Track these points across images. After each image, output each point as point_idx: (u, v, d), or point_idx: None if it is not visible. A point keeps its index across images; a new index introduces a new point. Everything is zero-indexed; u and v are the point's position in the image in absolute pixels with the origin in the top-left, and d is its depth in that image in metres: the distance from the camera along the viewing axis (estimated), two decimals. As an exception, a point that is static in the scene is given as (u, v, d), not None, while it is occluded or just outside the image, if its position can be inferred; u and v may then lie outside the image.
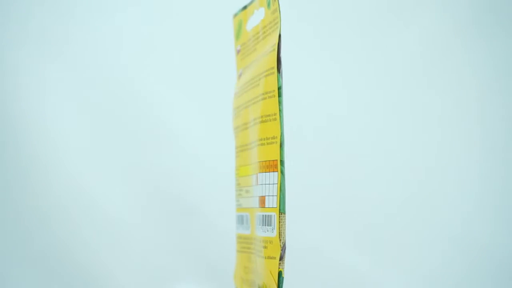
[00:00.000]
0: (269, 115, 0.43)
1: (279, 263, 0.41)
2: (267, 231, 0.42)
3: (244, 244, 0.48)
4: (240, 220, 0.49)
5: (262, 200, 0.43)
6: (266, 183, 0.43)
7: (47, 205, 0.75)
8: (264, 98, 0.43)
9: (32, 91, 0.76)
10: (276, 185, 0.42)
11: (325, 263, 0.72)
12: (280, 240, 0.41)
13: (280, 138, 0.42)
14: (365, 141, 0.77)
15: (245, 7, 0.49)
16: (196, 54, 0.76)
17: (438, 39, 0.75)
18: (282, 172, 0.41)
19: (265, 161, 0.43)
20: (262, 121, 0.43)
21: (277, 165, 0.42)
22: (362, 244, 0.74)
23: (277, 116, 0.42)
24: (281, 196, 0.42)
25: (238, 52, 0.51)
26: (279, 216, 0.41)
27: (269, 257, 0.42)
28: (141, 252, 0.75)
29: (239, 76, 0.51)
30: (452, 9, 0.76)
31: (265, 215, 0.43)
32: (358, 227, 0.75)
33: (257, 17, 0.47)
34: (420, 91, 0.76)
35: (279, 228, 0.41)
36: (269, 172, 0.42)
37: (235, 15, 0.51)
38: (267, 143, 0.43)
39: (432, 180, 0.75)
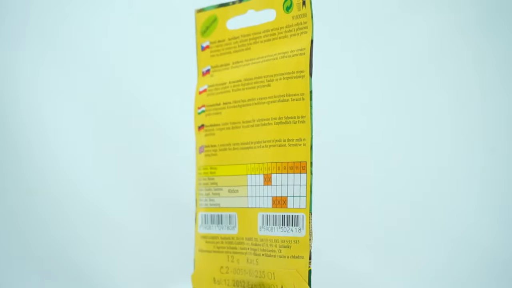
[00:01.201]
0: (293, 117, 0.43)
1: (309, 262, 0.42)
2: (292, 231, 0.43)
3: (222, 244, 0.47)
4: (216, 220, 0.48)
5: (280, 200, 0.44)
6: (289, 183, 0.43)
7: (47, 205, 0.75)
8: (286, 100, 0.44)
9: (32, 90, 0.75)
10: (305, 186, 0.43)
11: (326, 264, 0.70)
12: (310, 239, 0.43)
13: (311, 141, 0.43)
14: (368, 142, 0.75)
15: (224, 4, 0.49)
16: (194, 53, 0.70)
17: (441, 38, 0.75)
18: (311, 173, 0.43)
19: (287, 162, 0.43)
20: (281, 123, 0.44)
21: (306, 167, 0.43)
22: (364, 245, 0.74)
23: (307, 119, 0.43)
24: (311, 196, 0.43)
25: (204, 48, 0.50)
26: (309, 217, 0.43)
27: (294, 257, 0.43)
28: (140, 253, 0.75)
29: (205, 73, 0.50)
30: (455, 7, 0.75)
31: (288, 215, 0.43)
32: (359, 228, 0.74)
33: (254, 18, 0.47)
34: (423, 90, 0.75)
35: (309, 228, 0.43)
36: (293, 173, 0.43)
37: (200, 10, 0.50)
38: (290, 145, 0.43)
39: (436, 180, 0.75)
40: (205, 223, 0.49)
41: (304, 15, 0.44)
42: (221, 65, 0.49)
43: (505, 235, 0.73)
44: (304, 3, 0.44)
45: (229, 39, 0.48)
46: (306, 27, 0.44)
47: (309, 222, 0.43)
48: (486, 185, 0.74)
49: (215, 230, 0.48)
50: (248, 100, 0.46)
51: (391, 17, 0.77)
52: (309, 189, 0.43)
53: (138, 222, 0.76)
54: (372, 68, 0.77)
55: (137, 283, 0.75)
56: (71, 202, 0.76)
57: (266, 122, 0.45)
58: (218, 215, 0.48)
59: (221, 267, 0.47)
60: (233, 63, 0.48)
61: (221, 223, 0.48)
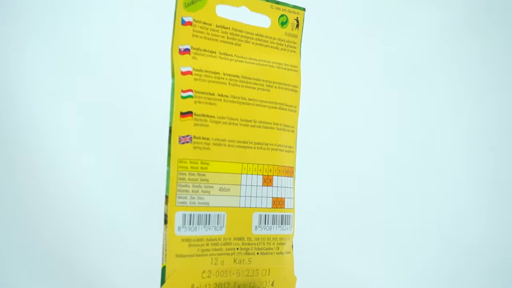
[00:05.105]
0: (287, 126, 0.47)
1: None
2: (286, 229, 0.47)
3: (207, 246, 0.43)
4: (204, 220, 0.42)
5: (280, 201, 0.46)
6: (286, 186, 0.47)
7: (46, 205, 0.71)
8: (283, 109, 0.47)
9: (32, 90, 0.73)
10: (292, 188, 0.47)
11: (319, 263, 0.71)
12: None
13: (295, 149, 0.48)
14: (361, 141, 0.76)
15: None
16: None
17: (434, 40, 0.75)
18: (295, 178, 0.48)
19: (283, 166, 0.46)
20: (281, 129, 0.46)
21: (293, 171, 0.48)
22: (356, 244, 0.75)
23: (295, 129, 0.48)
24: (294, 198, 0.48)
25: (185, 23, 0.42)
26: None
27: (287, 252, 0.47)
28: (140, 253, 0.72)
29: (184, 51, 0.42)
30: (448, 9, 0.74)
31: (284, 215, 0.46)
32: (352, 227, 0.75)
33: (245, 16, 0.45)
34: (414, 91, 0.77)
35: (294, 226, 0.48)
36: (288, 176, 0.47)
37: None
38: (285, 151, 0.47)
39: (427, 180, 0.76)
40: (190, 224, 0.42)
41: (296, 36, 0.48)
42: (205, 50, 0.43)
43: (494, 234, 0.77)
44: (297, 25, 0.48)
45: (217, 26, 0.44)
46: (295, 47, 0.48)
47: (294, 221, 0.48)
48: (486, 184, 0.77)
49: (201, 232, 0.42)
50: (249, 100, 0.45)
51: (383, 18, 0.79)
52: (294, 191, 0.48)
53: (141, 222, 0.73)
54: (363, 69, 0.78)
55: (139, 284, 0.71)
56: (74, 201, 0.72)
57: (268, 125, 0.46)
58: (206, 215, 0.43)
59: (203, 271, 0.43)
60: (220, 53, 0.44)
61: (209, 224, 0.43)
